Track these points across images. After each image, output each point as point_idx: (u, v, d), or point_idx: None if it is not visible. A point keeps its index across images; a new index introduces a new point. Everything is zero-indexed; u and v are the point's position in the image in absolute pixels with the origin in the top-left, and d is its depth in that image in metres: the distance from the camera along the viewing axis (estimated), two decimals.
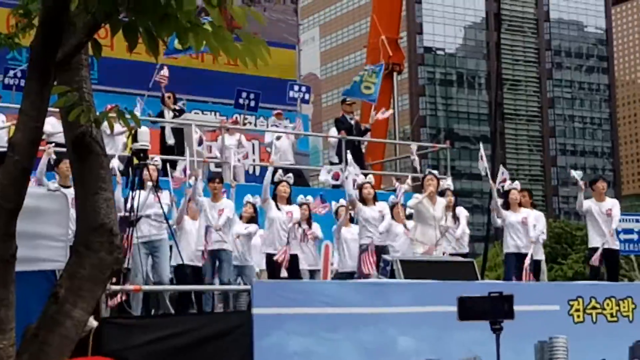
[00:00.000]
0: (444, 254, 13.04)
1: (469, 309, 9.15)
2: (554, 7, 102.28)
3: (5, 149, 12.54)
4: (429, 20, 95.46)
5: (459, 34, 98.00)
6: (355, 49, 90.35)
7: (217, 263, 12.49)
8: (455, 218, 13.73)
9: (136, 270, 11.54)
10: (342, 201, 14.12)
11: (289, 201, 13.29)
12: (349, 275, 13.37)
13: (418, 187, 14.56)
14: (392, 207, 13.82)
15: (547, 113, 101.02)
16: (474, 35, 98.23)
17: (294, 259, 12.91)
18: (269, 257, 12.84)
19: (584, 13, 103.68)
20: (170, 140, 16.78)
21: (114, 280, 9.27)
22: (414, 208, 13.07)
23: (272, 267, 12.78)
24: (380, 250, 13.09)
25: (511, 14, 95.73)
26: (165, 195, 12.19)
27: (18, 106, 5.12)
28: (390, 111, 19.85)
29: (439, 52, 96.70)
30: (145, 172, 11.76)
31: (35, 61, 4.84)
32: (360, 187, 13.59)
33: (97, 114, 5.25)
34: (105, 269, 5.46)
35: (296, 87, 19.22)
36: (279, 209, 13.00)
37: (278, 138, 16.89)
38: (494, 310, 8.93)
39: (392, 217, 13.64)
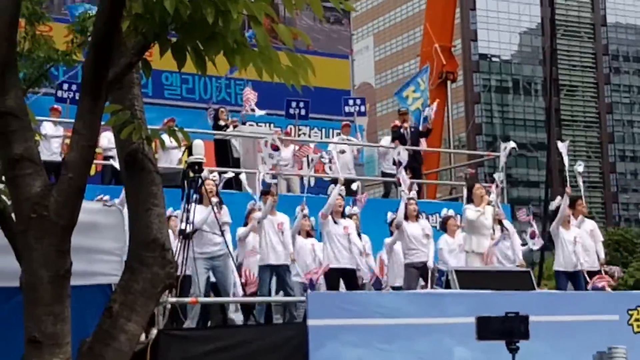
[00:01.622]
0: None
1: (486, 329, 9.23)
2: (610, 12, 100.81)
3: (50, 157, 12.67)
4: (483, 27, 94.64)
5: (514, 40, 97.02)
6: (409, 57, 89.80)
7: (276, 277, 12.46)
8: (503, 229, 13.63)
9: (194, 283, 11.61)
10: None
11: (343, 214, 13.26)
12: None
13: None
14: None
15: (605, 119, 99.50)
16: (529, 41, 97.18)
17: (351, 273, 12.87)
18: (332, 271, 12.83)
19: None
20: (237, 154, 16.86)
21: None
22: (474, 219, 12.88)
23: (332, 282, 12.74)
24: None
25: (567, 19, 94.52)
26: (225, 211, 12.21)
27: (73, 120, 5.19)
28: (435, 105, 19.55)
29: (494, 58, 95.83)
30: (207, 187, 11.84)
31: (87, 81, 4.91)
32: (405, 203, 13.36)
33: (149, 131, 5.33)
34: (158, 283, 5.53)
35: (351, 102, 19.19)
36: (335, 222, 12.99)
37: (342, 152, 16.74)
38: (510, 331, 9.01)
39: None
